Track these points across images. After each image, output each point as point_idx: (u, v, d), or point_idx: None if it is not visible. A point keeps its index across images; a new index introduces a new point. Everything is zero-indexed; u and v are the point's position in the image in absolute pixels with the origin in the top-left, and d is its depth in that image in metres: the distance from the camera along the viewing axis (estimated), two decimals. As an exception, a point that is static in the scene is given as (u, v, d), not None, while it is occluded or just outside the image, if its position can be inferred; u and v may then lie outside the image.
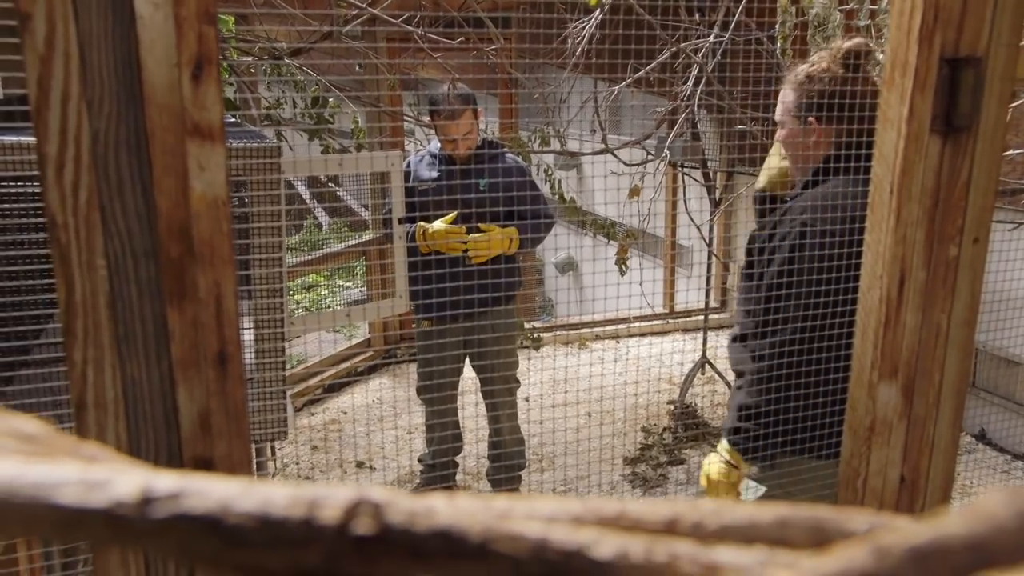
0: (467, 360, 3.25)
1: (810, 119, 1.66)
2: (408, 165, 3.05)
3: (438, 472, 3.39)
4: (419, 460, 3.46)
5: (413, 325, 3.20)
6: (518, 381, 3.29)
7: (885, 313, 1.09)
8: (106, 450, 0.23)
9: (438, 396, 3.21)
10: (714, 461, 1.71)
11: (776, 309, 1.59)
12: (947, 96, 1.03)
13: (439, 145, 3.03)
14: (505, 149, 3.11)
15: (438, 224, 2.83)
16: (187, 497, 0.19)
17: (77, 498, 0.19)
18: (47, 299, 1.35)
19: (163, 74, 0.73)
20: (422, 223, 2.85)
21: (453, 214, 2.85)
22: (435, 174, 2.98)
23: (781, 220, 1.64)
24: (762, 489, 1.72)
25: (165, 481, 0.20)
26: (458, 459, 3.48)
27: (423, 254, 2.88)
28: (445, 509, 0.19)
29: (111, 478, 0.20)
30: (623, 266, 3.68)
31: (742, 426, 1.61)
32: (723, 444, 1.68)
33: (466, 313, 2.90)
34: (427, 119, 3.17)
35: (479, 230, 2.87)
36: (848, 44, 1.65)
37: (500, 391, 3.21)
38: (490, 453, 3.38)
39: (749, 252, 1.72)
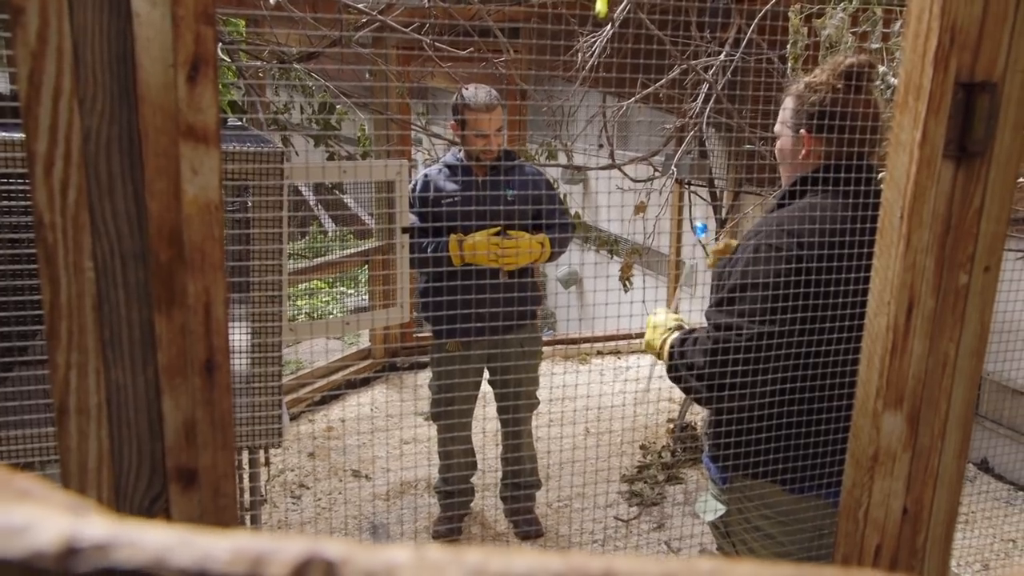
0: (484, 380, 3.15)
1: (801, 130, 1.63)
2: (425, 177, 2.94)
3: (457, 499, 3.24)
4: (435, 490, 3.31)
5: (415, 339, 3.13)
6: (538, 399, 3.20)
7: (892, 340, 1.06)
8: (42, 485, 0.21)
9: (459, 420, 3.06)
10: (661, 323, 1.77)
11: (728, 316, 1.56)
12: (961, 121, 1.00)
13: (456, 155, 2.94)
14: (521, 159, 3.05)
15: (479, 235, 2.72)
16: (117, 548, 0.17)
17: (-11, 546, 0.17)
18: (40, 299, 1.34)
19: (158, 73, 0.71)
20: (455, 235, 2.75)
21: (495, 227, 2.75)
22: (455, 185, 2.88)
23: (748, 233, 1.63)
24: (723, 509, 1.71)
25: (94, 529, 0.17)
26: (472, 480, 3.33)
27: (456, 267, 2.74)
28: (409, 566, 0.17)
29: (33, 523, 0.17)
30: (627, 282, 3.65)
31: (676, 363, 1.63)
32: (674, 337, 1.69)
33: (493, 330, 2.80)
34: (436, 128, 3.13)
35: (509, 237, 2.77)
36: (851, 59, 1.61)
37: (522, 410, 3.11)
38: (506, 472, 3.26)
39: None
